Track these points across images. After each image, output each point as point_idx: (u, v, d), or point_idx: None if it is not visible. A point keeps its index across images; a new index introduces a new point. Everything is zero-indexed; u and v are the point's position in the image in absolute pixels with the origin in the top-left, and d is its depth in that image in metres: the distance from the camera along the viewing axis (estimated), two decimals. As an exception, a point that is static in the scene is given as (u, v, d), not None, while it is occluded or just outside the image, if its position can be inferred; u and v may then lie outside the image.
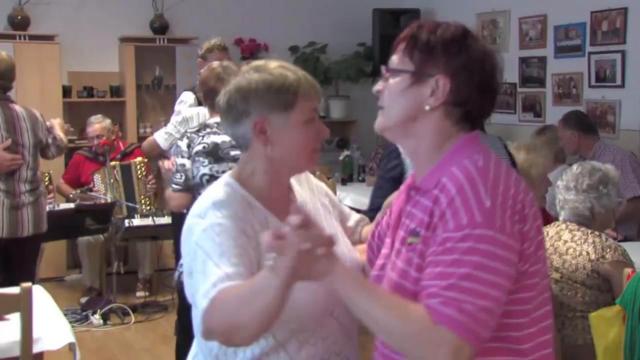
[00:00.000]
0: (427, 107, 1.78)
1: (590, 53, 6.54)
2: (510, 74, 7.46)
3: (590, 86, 6.57)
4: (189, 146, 3.81)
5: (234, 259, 1.85)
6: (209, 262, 1.85)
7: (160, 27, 7.93)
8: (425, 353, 1.63)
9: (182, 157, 3.82)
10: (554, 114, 6.69)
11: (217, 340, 1.83)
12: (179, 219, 5.59)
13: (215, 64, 4.19)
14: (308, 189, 2.23)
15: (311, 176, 2.29)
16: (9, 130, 4.58)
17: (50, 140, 4.82)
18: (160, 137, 5.17)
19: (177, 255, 5.54)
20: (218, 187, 2.04)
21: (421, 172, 1.84)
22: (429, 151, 1.82)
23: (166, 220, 6.12)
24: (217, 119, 3.79)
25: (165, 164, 4.31)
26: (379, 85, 1.89)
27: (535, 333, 1.77)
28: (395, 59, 1.87)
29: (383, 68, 1.89)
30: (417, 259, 1.74)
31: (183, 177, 3.77)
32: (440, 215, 1.69)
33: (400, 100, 1.82)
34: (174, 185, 3.82)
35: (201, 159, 3.72)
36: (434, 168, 1.80)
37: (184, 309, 3.53)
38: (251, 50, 8.09)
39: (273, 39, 8.13)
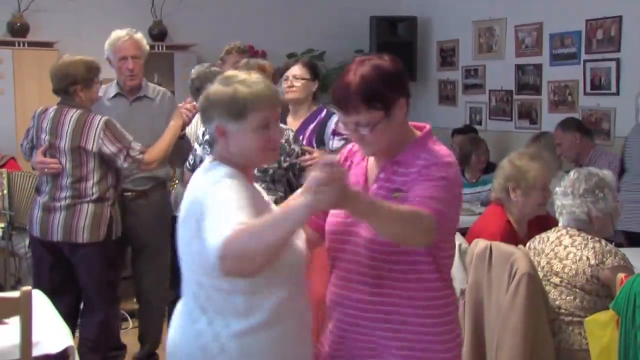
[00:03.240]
0: (401, 121, 2.37)
1: (585, 61, 6.57)
2: (506, 81, 7.51)
3: (585, 94, 6.60)
4: (203, 135, 4.15)
5: (247, 213, 2.15)
6: (229, 210, 2.14)
7: (159, 33, 7.92)
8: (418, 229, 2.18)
9: (197, 142, 4.26)
10: (549, 121, 6.72)
11: (226, 268, 2.08)
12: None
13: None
14: None
15: None
16: (52, 134, 4.49)
17: (113, 151, 4.42)
18: None
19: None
20: (219, 166, 2.37)
21: (391, 155, 2.39)
22: (400, 143, 2.40)
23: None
24: None
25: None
26: (362, 132, 2.34)
27: None
28: (365, 117, 2.30)
29: (359, 127, 2.35)
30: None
31: (193, 160, 4.16)
32: (424, 170, 2.31)
33: (386, 133, 2.33)
34: (187, 165, 4.24)
35: (207, 147, 4.01)
36: (407, 150, 2.38)
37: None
38: (249, 58, 8.09)
39: (271, 46, 8.13)
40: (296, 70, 4.51)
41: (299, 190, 2.52)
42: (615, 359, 3.11)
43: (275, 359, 2.34)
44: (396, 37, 8.37)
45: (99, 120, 4.43)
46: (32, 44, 7.20)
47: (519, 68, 7.34)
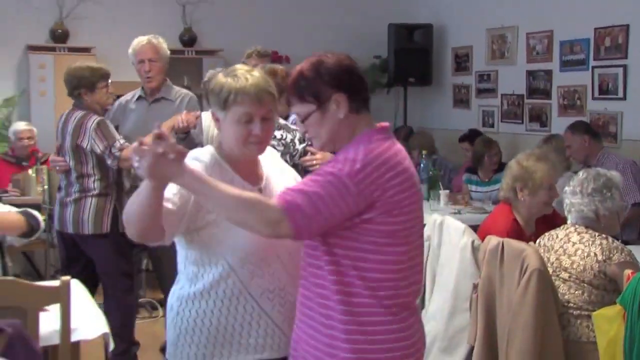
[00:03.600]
0: (340, 116, 2.27)
1: (593, 67, 6.53)
2: (517, 86, 7.47)
3: (593, 98, 6.56)
4: None
5: (177, 189, 2.27)
6: None
7: (189, 39, 7.99)
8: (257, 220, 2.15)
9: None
10: (559, 124, 6.69)
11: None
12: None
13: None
14: (279, 169, 2.64)
15: (284, 162, 2.80)
16: (61, 135, 4.61)
17: (100, 149, 4.49)
18: None
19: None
20: (202, 149, 2.52)
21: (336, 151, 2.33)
22: (346, 139, 2.30)
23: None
24: None
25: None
26: (301, 128, 2.40)
27: None
28: (298, 109, 2.32)
29: (297, 118, 2.39)
30: None
31: None
32: (324, 164, 2.30)
33: (323, 127, 2.29)
34: None
35: None
36: (344, 147, 2.27)
37: None
38: (273, 62, 8.10)
39: (294, 52, 8.11)
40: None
41: None
42: (621, 351, 3.09)
43: (205, 326, 2.45)
44: (413, 43, 8.35)
45: (93, 121, 4.53)
46: (71, 49, 7.29)
47: (530, 73, 7.30)
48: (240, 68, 2.45)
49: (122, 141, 4.48)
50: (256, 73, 2.45)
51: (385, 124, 2.34)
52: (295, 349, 2.36)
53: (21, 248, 5.04)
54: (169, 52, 4.96)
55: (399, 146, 2.30)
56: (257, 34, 7.89)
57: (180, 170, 2.11)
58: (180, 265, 2.54)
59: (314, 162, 4.05)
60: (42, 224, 3.69)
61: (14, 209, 3.65)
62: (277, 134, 4.25)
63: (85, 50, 7.23)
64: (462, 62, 8.37)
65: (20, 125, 6.74)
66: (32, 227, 3.60)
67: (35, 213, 3.76)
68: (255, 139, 2.40)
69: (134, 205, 2.22)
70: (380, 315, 2.21)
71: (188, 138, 4.58)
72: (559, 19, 6.89)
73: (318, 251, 2.25)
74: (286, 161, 4.13)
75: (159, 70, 4.83)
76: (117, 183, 4.65)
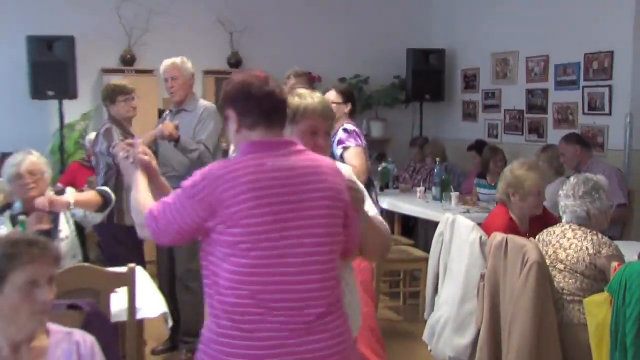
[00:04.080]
0: (233, 130, 2.16)
1: (584, 87, 6.46)
2: (518, 102, 7.42)
3: (584, 114, 6.49)
4: None
5: None
6: None
7: (235, 62, 8.02)
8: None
9: None
10: (554, 135, 6.63)
11: None
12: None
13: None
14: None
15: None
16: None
17: (102, 150, 4.61)
18: None
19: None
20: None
21: None
22: None
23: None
24: None
25: None
26: None
27: None
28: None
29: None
30: None
31: None
32: None
33: (233, 140, 2.20)
34: None
35: None
36: None
37: None
38: (308, 82, 8.12)
39: (325, 72, 8.14)
40: (331, 95, 4.40)
41: None
42: (608, 332, 3.06)
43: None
44: (428, 65, 8.32)
45: (104, 127, 4.66)
46: (138, 71, 7.37)
47: (529, 92, 7.24)
48: (304, 91, 2.46)
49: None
50: (318, 94, 2.46)
51: (262, 140, 2.10)
52: None
53: (96, 239, 5.07)
54: (192, 70, 4.92)
55: (255, 162, 2.04)
56: (293, 56, 7.91)
57: (132, 172, 2.31)
58: None
59: None
60: (114, 198, 3.81)
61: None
62: None
63: (149, 72, 7.27)
64: (470, 81, 8.33)
65: (93, 136, 6.81)
66: (106, 200, 3.73)
67: (107, 189, 3.88)
68: (314, 144, 2.37)
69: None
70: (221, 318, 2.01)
71: (180, 145, 4.58)
72: (554, 45, 6.83)
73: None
74: None
75: (180, 86, 4.82)
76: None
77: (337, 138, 4.26)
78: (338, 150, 4.21)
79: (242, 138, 2.12)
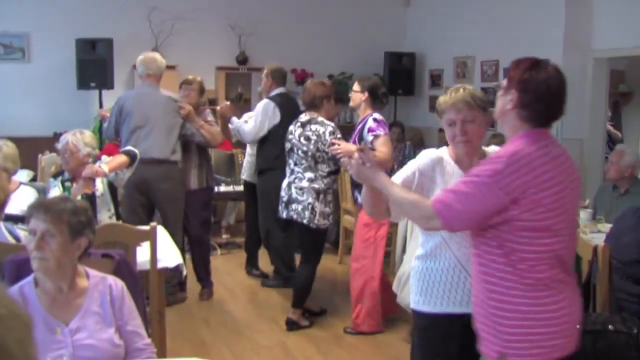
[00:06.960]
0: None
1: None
2: (474, 98, 7.47)
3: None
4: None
5: (401, 180, 2.34)
6: None
7: (242, 60, 8.02)
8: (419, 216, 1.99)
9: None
10: (502, 126, 6.66)
11: None
12: (248, 186, 5.66)
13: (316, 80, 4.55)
14: None
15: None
16: None
17: None
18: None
19: (250, 210, 5.54)
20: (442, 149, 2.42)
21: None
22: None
23: (241, 188, 5.91)
24: (312, 115, 4.26)
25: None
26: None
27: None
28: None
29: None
30: None
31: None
32: None
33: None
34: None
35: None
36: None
37: None
38: (302, 77, 8.15)
39: (317, 69, 8.16)
40: (354, 85, 4.26)
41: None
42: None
43: (424, 283, 2.35)
44: (401, 65, 8.36)
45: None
46: (164, 67, 7.34)
47: (483, 89, 7.22)
48: (453, 88, 2.34)
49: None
50: (461, 91, 2.30)
51: (539, 130, 1.96)
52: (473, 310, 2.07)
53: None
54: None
55: (544, 151, 1.90)
56: (292, 56, 7.98)
57: (374, 175, 2.07)
58: (418, 232, 2.50)
59: (338, 150, 3.94)
60: (137, 152, 3.79)
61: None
62: (314, 127, 4.19)
63: (172, 67, 7.24)
64: (435, 80, 8.37)
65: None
66: (132, 157, 3.72)
67: (131, 148, 3.87)
68: (459, 138, 2.27)
69: (364, 196, 2.24)
70: (519, 289, 1.89)
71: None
72: (504, 52, 6.88)
73: (487, 234, 1.94)
74: (319, 149, 4.11)
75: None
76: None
77: (368, 126, 4.06)
78: (369, 137, 4.01)
79: (519, 126, 1.96)
